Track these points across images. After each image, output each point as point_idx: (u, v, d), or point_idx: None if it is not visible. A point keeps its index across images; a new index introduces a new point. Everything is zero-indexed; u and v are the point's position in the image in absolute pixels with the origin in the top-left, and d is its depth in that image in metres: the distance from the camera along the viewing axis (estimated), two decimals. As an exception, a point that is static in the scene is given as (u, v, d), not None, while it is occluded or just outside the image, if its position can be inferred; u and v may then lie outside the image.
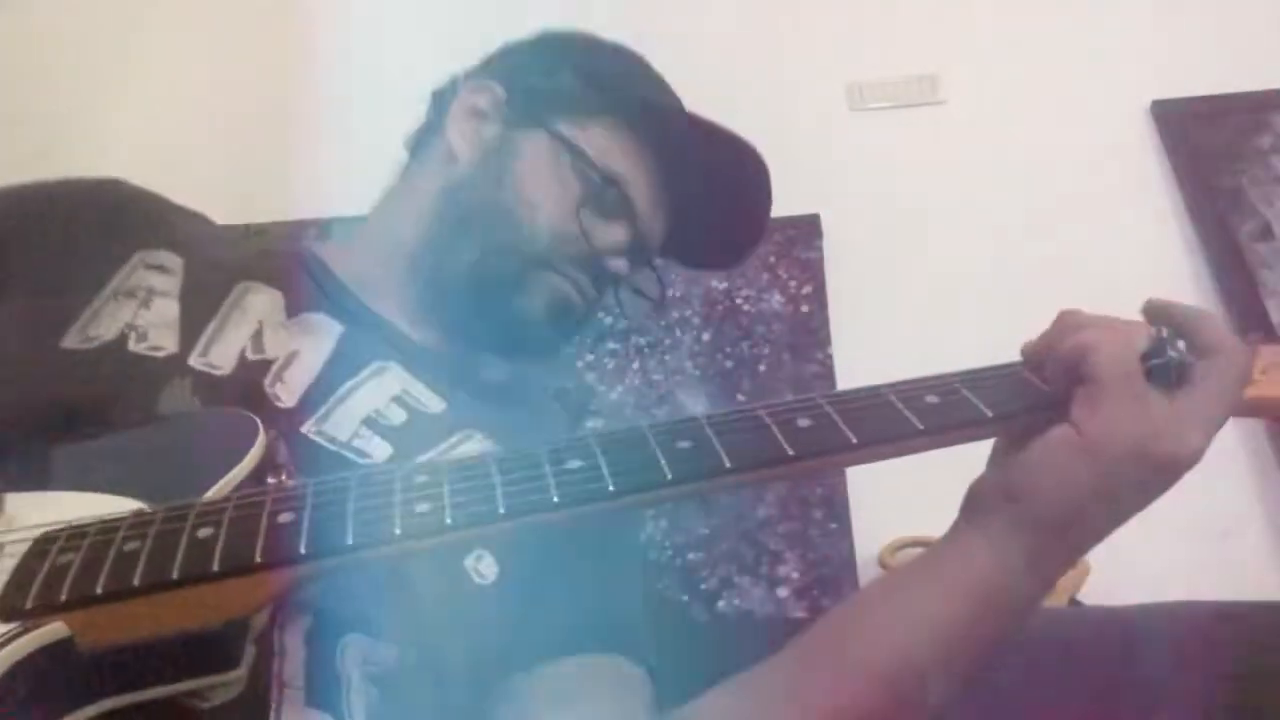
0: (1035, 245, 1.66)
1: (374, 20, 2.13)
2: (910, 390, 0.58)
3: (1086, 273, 1.59)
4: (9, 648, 0.45)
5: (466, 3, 2.13)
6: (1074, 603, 1.36)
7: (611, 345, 1.74)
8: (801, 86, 1.93)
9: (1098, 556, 1.55)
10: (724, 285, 1.77)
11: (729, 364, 1.57)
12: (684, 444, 0.53)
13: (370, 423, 0.75)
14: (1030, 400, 0.57)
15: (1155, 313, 0.58)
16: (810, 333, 1.60)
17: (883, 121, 1.89)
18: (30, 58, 1.85)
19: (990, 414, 0.55)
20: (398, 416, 0.77)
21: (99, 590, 0.47)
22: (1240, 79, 1.76)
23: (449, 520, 0.50)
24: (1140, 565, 1.34)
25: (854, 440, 0.54)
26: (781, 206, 1.80)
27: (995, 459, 0.61)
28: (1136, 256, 1.63)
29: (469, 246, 0.86)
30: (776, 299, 1.74)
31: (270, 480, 0.60)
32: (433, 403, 0.80)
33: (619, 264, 0.90)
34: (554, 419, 1.01)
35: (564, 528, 0.64)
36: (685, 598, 1.48)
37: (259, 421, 0.62)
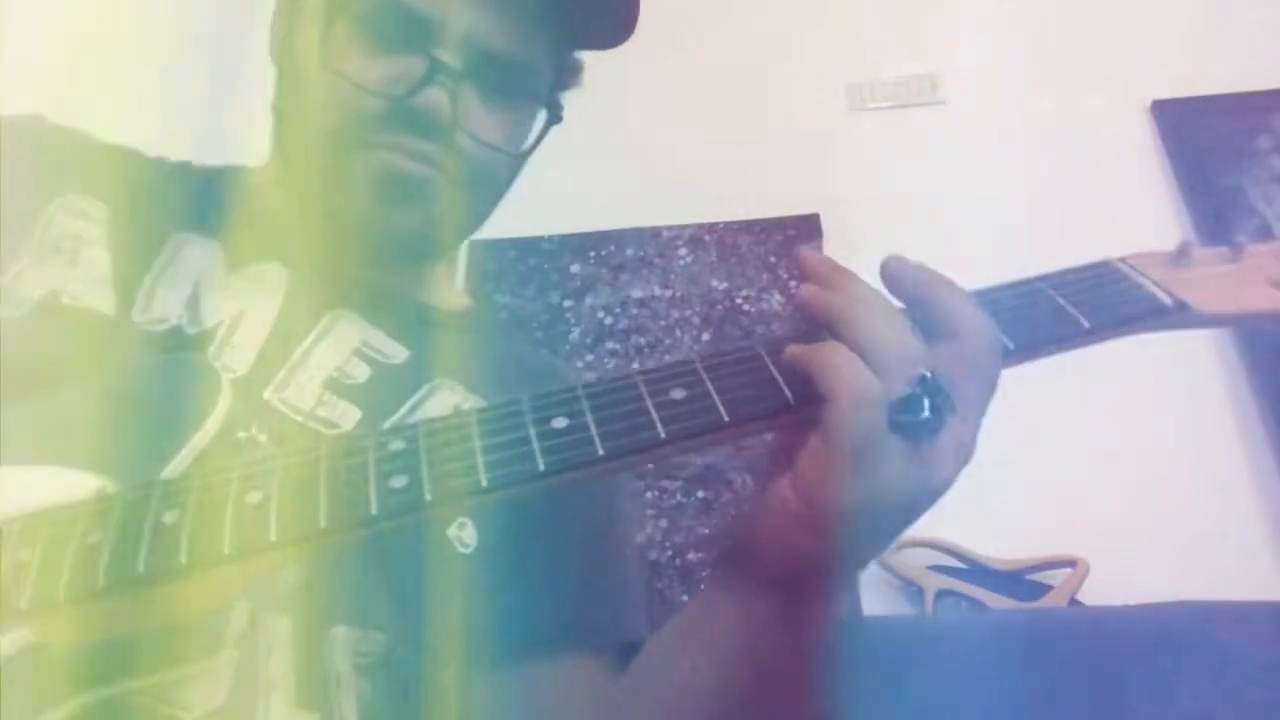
0: (1035, 245, 1.65)
1: None
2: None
3: (1086, 273, 1.59)
4: None
5: None
6: (1074, 603, 1.36)
7: (611, 345, 1.74)
8: (801, 86, 1.93)
9: (1097, 556, 1.54)
10: (724, 285, 1.77)
11: (729, 364, 1.57)
12: (678, 394, 0.48)
13: (333, 385, 0.69)
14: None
15: (891, 280, 0.50)
16: (810, 333, 1.60)
17: (883, 121, 1.89)
18: None
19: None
20: (361, 373, 0.71)
21: (61, 593, 0.44)
22: (1240, 79, 1.76)
23: (428, 496, 0.46)
24: (1140, 565, 1.34)
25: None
26: (781, 206, 1.81)
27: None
28: (1136, 256, 1.63)
29: (292, 166, 0.76)
30: (776, 299, 1.74)
31: (241, 435, 0.57)
32: (395, 351, 0.74)
33: (432, 98, 0.68)
34: (516, 350, 0.91)
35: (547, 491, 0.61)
36: (685, 598, 1.48)
37: (220, 372, 0.58)
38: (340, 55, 0.69)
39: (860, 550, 0.50)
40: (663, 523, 1.53)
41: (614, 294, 1.79)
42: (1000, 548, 1.43)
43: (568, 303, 1.79)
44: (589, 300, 1.79)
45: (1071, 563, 1.39)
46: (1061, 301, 0.54)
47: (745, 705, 0.55)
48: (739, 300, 1.75)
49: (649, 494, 1.56)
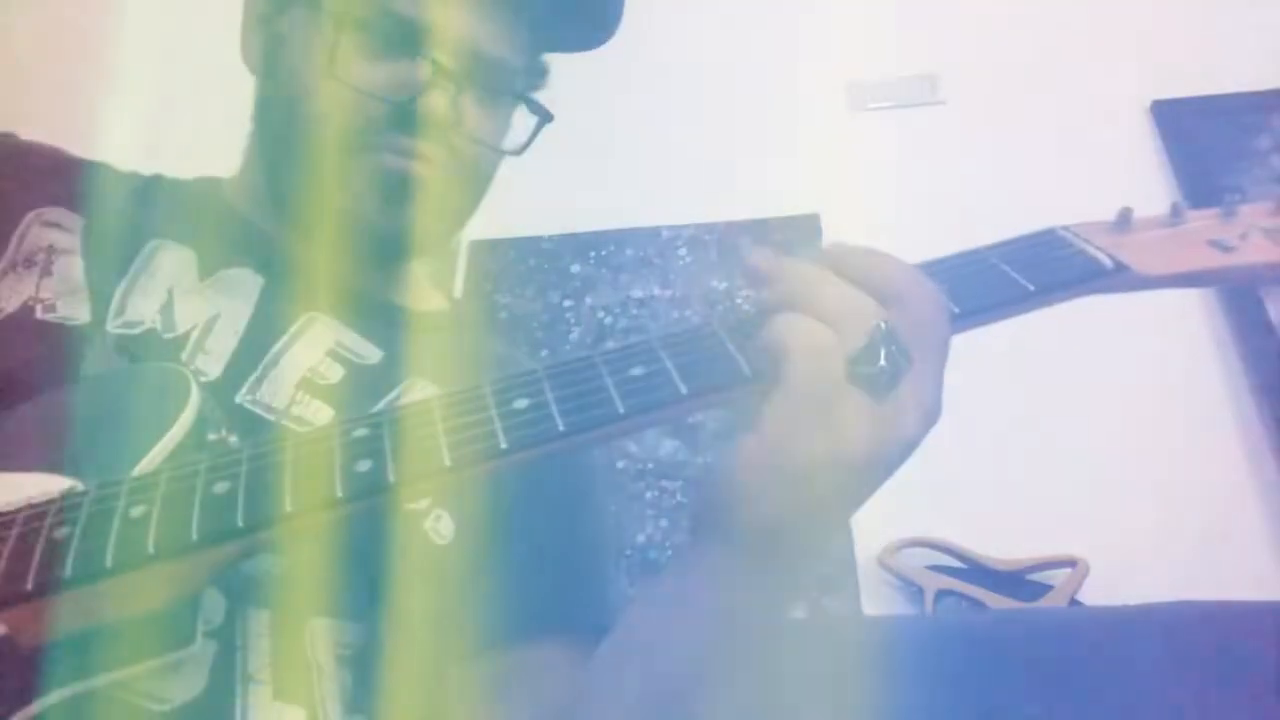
0: (1035, 245, 1.66)
1: None
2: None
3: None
4: None
5: None
6: (1074, 603, 1.36)
7: (611, 345, 1.74)
8: (801, 86, 1.93)
9: (1097, 556, 1.54)
10: (724, 285, 1.77)
11: (729, 364, 1.57)
12: (636, 370, 0.49)
13: (307, 385, 0.70)
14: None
15: (835, 260, 0.51)
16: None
17: (883, 121, 1.89)
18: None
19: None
20: (335, 373, 0.72)
21: (29, 586, 0.45)
22: (1240, 79, 1.76)
23: (392, 477, 0.46)
24: (1140, 565, 1.34)
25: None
26: (781, 206, 1.81)
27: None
28: (1136, 256, 1.63)
29: (284, 172, 0.76)
30: (776, 299, 1.74)
31: (211, 437, 0.57)
32: (369, 352, 0.75)
33: (433, 101, 0.71)
34: (494, 350, 0.96)
35: (519, 478, 0.61)
36: (685, 598, 1.48)
37: (191, 376, 0.59)
38: (343, 63, 0.71)
39: (830, 508, 0.51)
40: (663, 523, 1.53)
41: (614, 294, 1.79)
42: (1000, 548, 1.43)
43: (568, 303, 1.79)
44: (589, 300, 1.79)
45: (1071, 563, 1.39)
46: (1005, 268, 0.56)
47: (725, 665, 0.56)
48: (739, 300, 1.76)
49: (649, 494, 1.56)
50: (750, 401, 0.50)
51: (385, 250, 0.77)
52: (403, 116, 0.71)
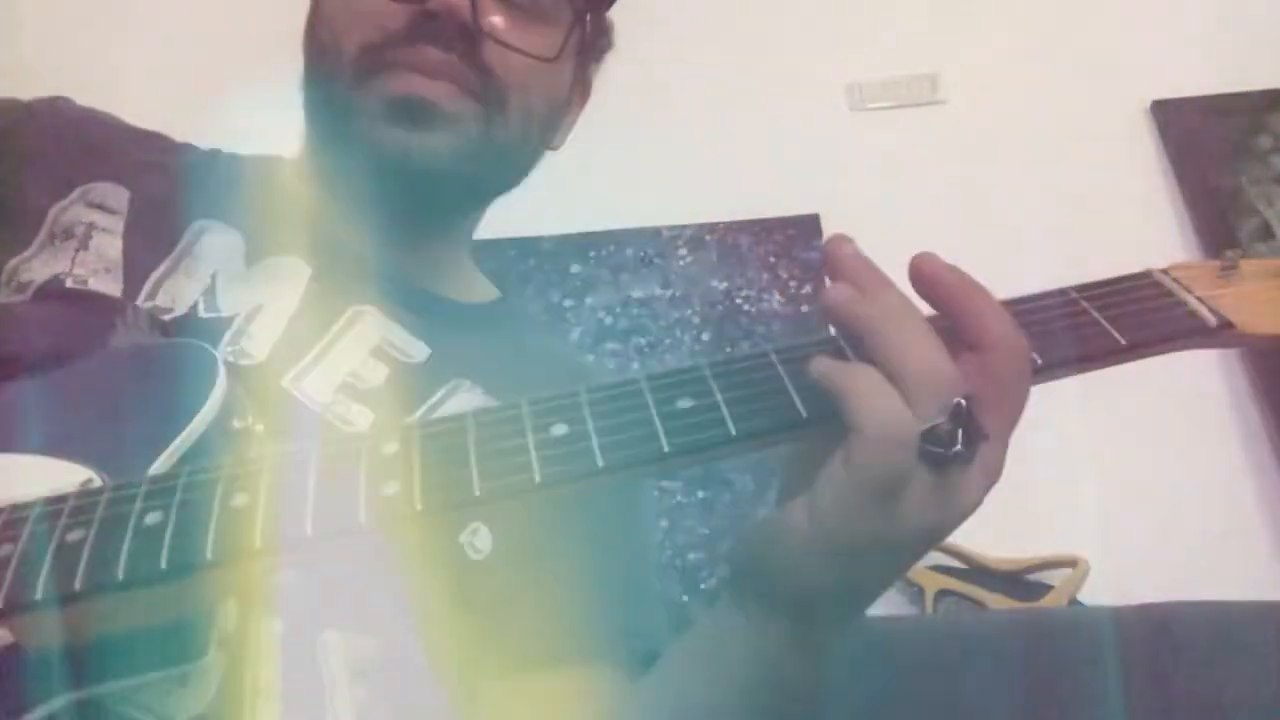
0: (1035, 245, 1.66)
1: None
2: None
3: (1086, 273, 1.59)
4: None
5: None
6: (1074, 603, 1.36)
7: (611, 345, 1.74)
8: (801, 86, 1.93)
9: (1097, 556, 1.54)
10: (724, 285, 1.77)
11: (729, 364, 1.57)
12: (684, 403, 0.45)
13: (348, 389, 0.68)
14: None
15: (922, 281, 0.46)
16: (810, 333, 1.60)
17: (883, 121, 1.89)
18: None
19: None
20: (378, 374, 0.69)
21: (38, 595, 0.43)
22: (1240, 79, 1.76)
23: (419, 505, 0.44)
24: (1140, 565, 1.34)
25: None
26: (781, 206, 1.81)
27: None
28: (1136, 256, 1.62)
29: (320, 122, 0.75)
30: (776, 299, 1.74)
31: (236, 424, 0.55)
32: (416, 350, 0.72)
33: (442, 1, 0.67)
34: (541, 346, 0.92)
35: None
36: (685, 598, 1.48)
37: (218, 357, 0.56)
38: None
39: (875, 581, 0.49)
40: (663, 523, 1.53)
41: (614, 294, 1.79)
42: (1000, 548, 1.43)
43: (568, 303, 1.79)
44: (589, 300, 1.79)
45: (1072, 563, 1.39)
46: (1096, 315, 0.50)
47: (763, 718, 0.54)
48: (739, 300, 1.75)
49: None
50: (798, 445, 0.47)
51: (412, 193, 0.72)
52: (420, 24, 0.67)
